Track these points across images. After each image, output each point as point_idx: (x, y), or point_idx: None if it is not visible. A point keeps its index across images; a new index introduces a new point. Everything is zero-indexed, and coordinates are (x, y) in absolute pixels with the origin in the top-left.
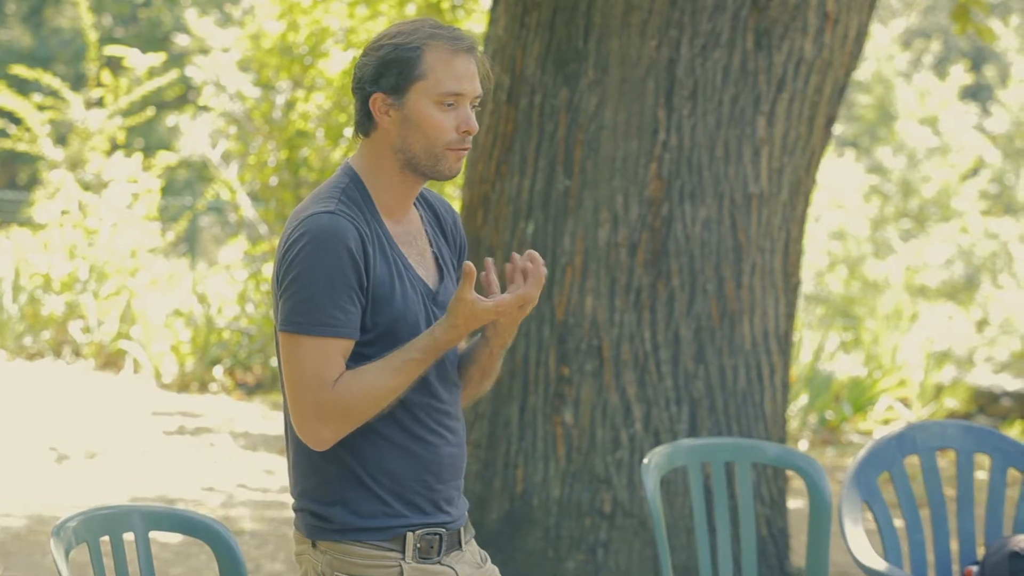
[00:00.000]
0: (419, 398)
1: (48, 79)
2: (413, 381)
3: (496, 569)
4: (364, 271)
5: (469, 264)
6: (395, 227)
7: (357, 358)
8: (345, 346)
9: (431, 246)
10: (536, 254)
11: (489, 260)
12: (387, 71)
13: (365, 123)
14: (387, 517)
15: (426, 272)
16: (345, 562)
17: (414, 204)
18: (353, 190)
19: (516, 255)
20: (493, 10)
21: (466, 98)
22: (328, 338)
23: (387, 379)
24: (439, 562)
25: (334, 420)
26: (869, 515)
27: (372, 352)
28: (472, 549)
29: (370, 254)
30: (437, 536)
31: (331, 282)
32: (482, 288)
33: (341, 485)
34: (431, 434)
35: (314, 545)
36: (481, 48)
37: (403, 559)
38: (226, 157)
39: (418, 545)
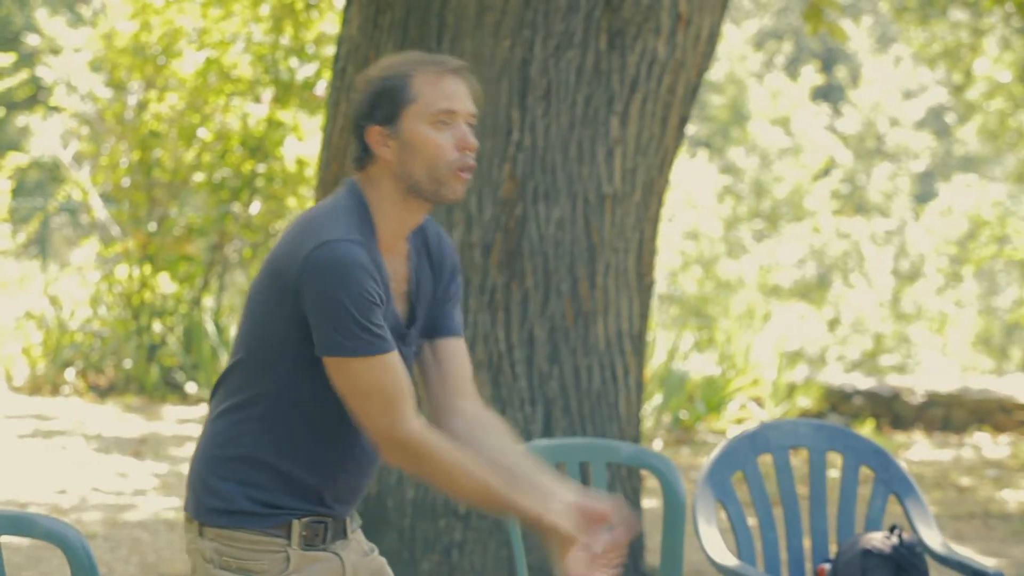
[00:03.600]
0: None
1: None
2: (490, 505)
3: (384, 561)
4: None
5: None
6: (386, 258)
7: (302, 347)
8: (398, 359)
9: (408, 283)
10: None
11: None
12: (379, 102)
13: (362, 158)
14: (276, 507)
15: (400, 309)
16: (232, 547)
17: (406, 238)
18: (362, 211)
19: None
20: (346, 10)
21: (460, 116)
22: (382, 355)
23: (471, 482)
24: (324, 549)
25: (403, 460)
26: (723, 514)
27: (313, 345)
28: (358, 538)
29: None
30: (323, 524)
31: (363, 305)
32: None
33: (242, 465)
34: (349, 445)
35: (201, 533)
36: (466, 68)
37: (288, 545)
38: (78, 158)
39: (304, 533)
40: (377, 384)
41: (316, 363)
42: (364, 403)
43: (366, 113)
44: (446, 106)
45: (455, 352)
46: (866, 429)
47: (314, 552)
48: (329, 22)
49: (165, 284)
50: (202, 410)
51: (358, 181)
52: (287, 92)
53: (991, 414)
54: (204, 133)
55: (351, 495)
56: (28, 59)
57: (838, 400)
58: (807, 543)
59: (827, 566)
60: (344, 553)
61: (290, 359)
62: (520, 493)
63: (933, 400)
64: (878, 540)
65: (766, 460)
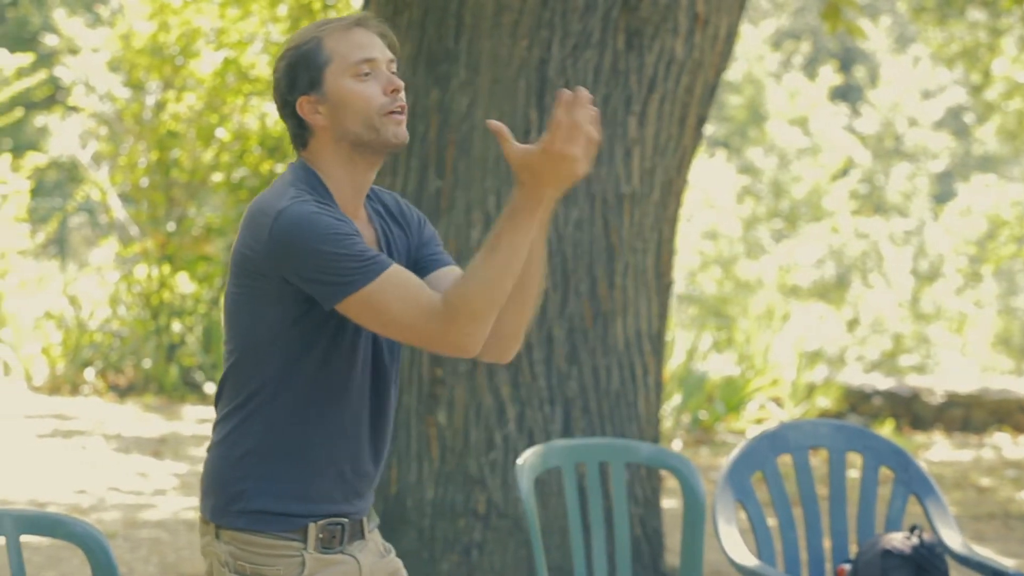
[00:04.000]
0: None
1: None
2: (520, 253)
3: (400, 563)
4: None
5: (493, 122)
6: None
7: (292, 333)
8: (399, 267)
9: (378, 244)
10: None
11: (561, 92)
12: (297, 73)
13: (300, 134)
14: (290, 502)
15: None
16: (248, 551)
17: (364, 205)
18: (312, 181)
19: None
20: (364, 10)
21: (379, 63)
22: (384, 271)
23: (494, 259)
24: (341, 551)
25: (465, 325)
26: (743, 514)
27: (303, 328)
28: (375, 539)
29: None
30: (339, 526)
31: (342, 240)
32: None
33: (255, 459)
34: (355, 425)
35: (217, 536)
36: (370, 16)
37: (305, 549)
38: (96, 158)
39: (320, 536)
40: (399, 296)
41: (307, 346)
42: (399, 322)
43: (289, 88)
44: (363, 55)
45: (452, 271)
46: (886, 429)
47: (331, 555)
48: None
49: (184, 284)
50: None
51: (304, 158)
52: None
53: (1011, 414)
54: (222, 133)
55: (364, 477)
56: (46, 59)
57: (857, 400)
58: (827, 543)
59: (847, 566)
60: (361, 555)
61: (280, 347)
62: (502, 217)
63: (953, 400)
64: (898, 540)
65: (786, 460)
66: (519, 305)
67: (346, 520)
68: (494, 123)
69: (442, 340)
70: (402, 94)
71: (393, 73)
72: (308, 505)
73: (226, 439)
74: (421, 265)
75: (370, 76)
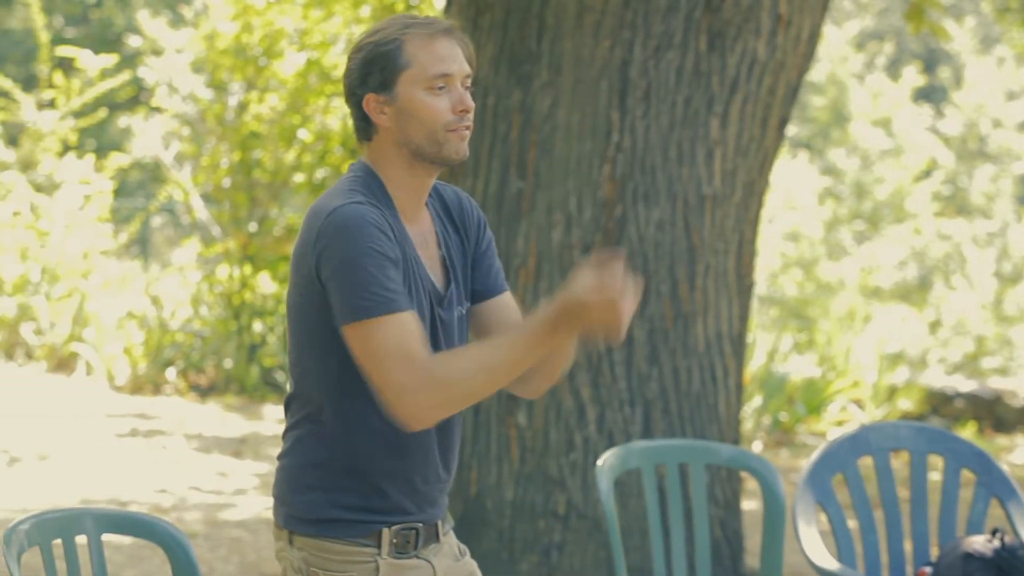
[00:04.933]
0: None
1: None
2: (520, 364)
3: (476, 565)
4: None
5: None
6: (409, 227)
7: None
8: (414, 318)
9: (439, 248)
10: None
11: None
12: (372, 70)
13: (365, 128)
14: (363, 512)
15: (435, 275)
16: (321, 558)
17: (426, 205)
18: (372, 183)
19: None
20: (446, 11)
21: (455, 78)
22: (397, 313)
23: (489, 355)
24: (416, 556)
25: (433, 395)
26: (823, 516)
27: None
28: (450, 541)
29: (395, 242)
30: (414, 531)
31: (377, 263)
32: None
33: (323, 472)
34: (420, 436)
35: (291, 542)
36: (457, 27)
37: (379, 555)
38: (179, 159)
39: (394, 540)
40: (394, 341)
41: None
42: (380, 364)
43: (360, 81)
44: (441, 69)
45: (507, 305)
46: (967, 432)
47: (405, 560)
48: None
49: (265, 284)
50: None
51: (365, 156)
52: None
53: None
54: (304, 134)
55: (436, 485)
56: (130, 60)
57: (939, 402)
58: (908, 546)
59: (928, 569)
60: (436, 559)
61: (341, 352)
62: (525, 325)
63: None
64: (980, 543)
65: (866, 462)
66: (544, 381)
67: (420, 525)
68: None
69: (402, 403)
70: (471, 114)
71: (467, 89)
72: (379, 515)
73: (293, 449)
74: (479, 285)
75: (443, 90)
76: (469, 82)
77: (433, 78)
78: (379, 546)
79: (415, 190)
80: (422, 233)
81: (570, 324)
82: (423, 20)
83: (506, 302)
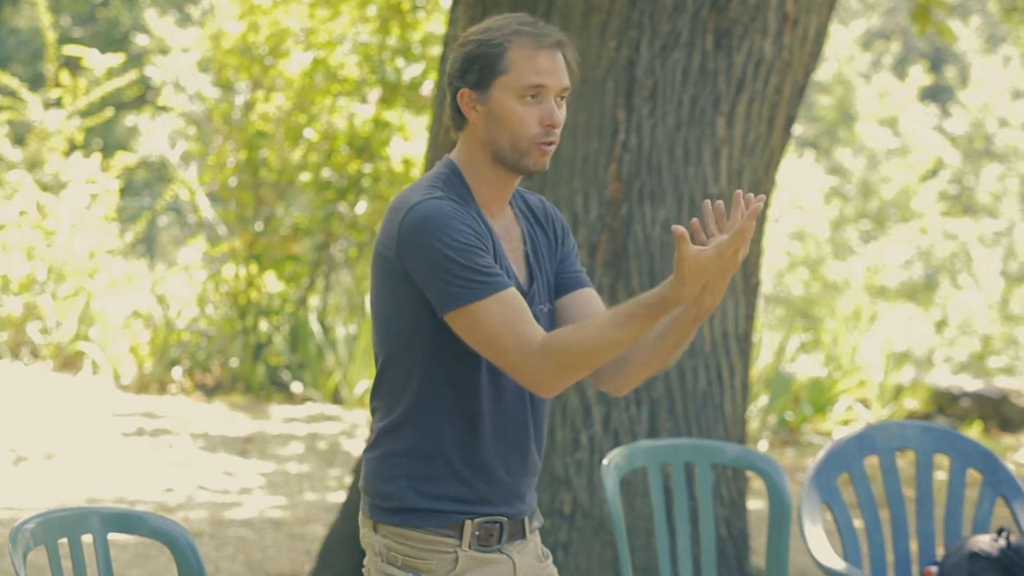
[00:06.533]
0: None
1: (6, 79)
2: (637, 338)
3: (555, 570)
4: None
5: (677, 228)
6: (492, 221)
7: (433, 334)
8: (515, 293)
9: (524, 244)
10: (741, 194)
11: (707, 203)
12: (472, 66)
13: (457, 118)
14: (446, 501)
15: (518, 270)
16: (402, 544)
17: (509, 203)
18: (454, 180)
19: (708, 204)
20: (453, 10)
21: (550, 91)
22: (498, 293)
23: (610, 332)
24: (499, 550)
25: (553, 370)
26: (829, 516)
27: (442, 329)
28: (536, 540)
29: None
30: (497, 524)
31: (466, 249)
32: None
33: (408, 460)
34: (511, 428)
35: (375, 529)
36: (566, 41)
37: (459, 546)
38: (185, 158)
39: (476, 533)
40: (503, 321)
41: (451, 341)
42: (496, 344)
43: (459, 74)
44: (536, 81)
45: (590, 299)
46: (973, 431)
47: (486, 553)
48: (436, 22)
49: (271, 283)
50: (307, 409)
51: (452, 154)
52: (393, 92)
53: None
54: (311, 133)
55: (523, 478)
56: (137, 59)
57: (945, 402)
58: (914, 546)
59: (934, 569)
60: (518, 556)
61: (425, 343)
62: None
63: None
64: (986, 543)
65: (872, 462)
66: (651, 367)
67: (504, 519)
68: (678, 228)
69: (529, 375)
70: (558, 129)
71: (560, 100)
72: (462, 505)
73: (379, 440)
74: (562, 280)
75: (535, 101)
76: (565, 94)
77: (526, 87)
78: (460, 537)
79: (497, 188)
80: (506, 227)
81: (697, 280)
82: (534, 29)
83: (591, 296)
